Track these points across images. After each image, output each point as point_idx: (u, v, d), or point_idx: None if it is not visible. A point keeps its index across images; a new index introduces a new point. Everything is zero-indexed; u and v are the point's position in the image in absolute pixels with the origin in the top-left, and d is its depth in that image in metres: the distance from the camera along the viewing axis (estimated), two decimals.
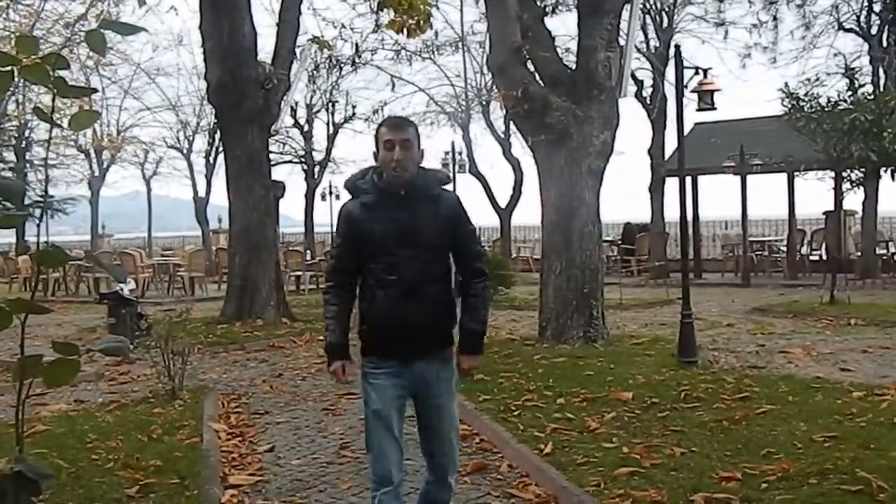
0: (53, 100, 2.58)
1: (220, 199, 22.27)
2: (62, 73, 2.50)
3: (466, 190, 33.25)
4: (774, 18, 26.75)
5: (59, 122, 3.28)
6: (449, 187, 4.48)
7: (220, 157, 19.49)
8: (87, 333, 15.06)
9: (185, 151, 38.32)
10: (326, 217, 35.82)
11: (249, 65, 16.27)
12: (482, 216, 35.47)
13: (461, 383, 5.86)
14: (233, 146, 16.60)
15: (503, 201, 31.56)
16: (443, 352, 4.36)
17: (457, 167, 24.44)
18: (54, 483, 5.92)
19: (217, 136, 26.78)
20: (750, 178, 23.69)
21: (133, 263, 23.86)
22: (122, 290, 13.48)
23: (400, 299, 4.20)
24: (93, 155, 38.06)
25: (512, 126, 27.49)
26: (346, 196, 4.51)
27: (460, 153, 31.01)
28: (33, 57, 2.54)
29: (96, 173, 38.40)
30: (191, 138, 38.16)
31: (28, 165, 35.09)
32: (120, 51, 32.01)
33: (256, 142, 16.41)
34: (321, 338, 13.77)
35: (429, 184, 4.32)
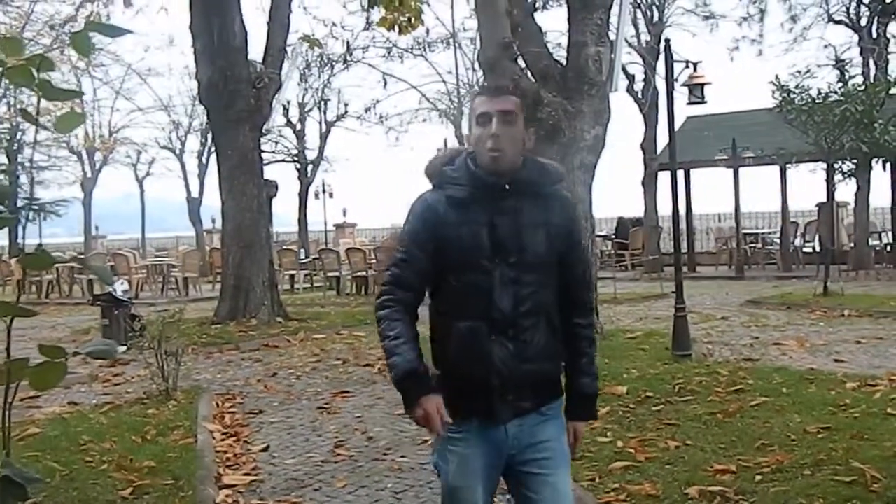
0: (38, 102, 2.57)
1: (213, 199, 22.32)
2: (51, 74, 2.49)
3: None
4: (761, 12, 26.83)
5: (47, 123, 3.27)
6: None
7: (213, 157, 19.50)
8: (81, 335, 15.04)
9: (177, 152, 38.33)
10: (320, 215, 35.86)
11: (240, 64, 16.25)
12: None
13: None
14: (225, 146, 16.57)
15: None
16: (550, 407, 3.21)
17: None
18: (47, 486, 5.92)
19: (209, 135, 26.73)
20: (742, 171, 23.72)
21: (126, 264, 23.86)
22: (115, 291, 13.45)
23: (486, 337, 3.05)
24: (85, 156, 37.99)
25: None
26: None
27: None
28: (19, 59, 2.52)
29: (89, 175, 38.33)
30: (183, 138, 38.21)
31: (20, 168, 35.02)
32: (111, 52, 32.02)
33: (248, 141, 16.38)
34: (316, 336, 13.98)
35: (542, 178, 3.18)
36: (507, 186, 3.09)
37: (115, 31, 2.71)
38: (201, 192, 36.76)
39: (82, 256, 28.21)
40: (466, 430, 3.13)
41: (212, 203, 29.30)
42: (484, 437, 3.13)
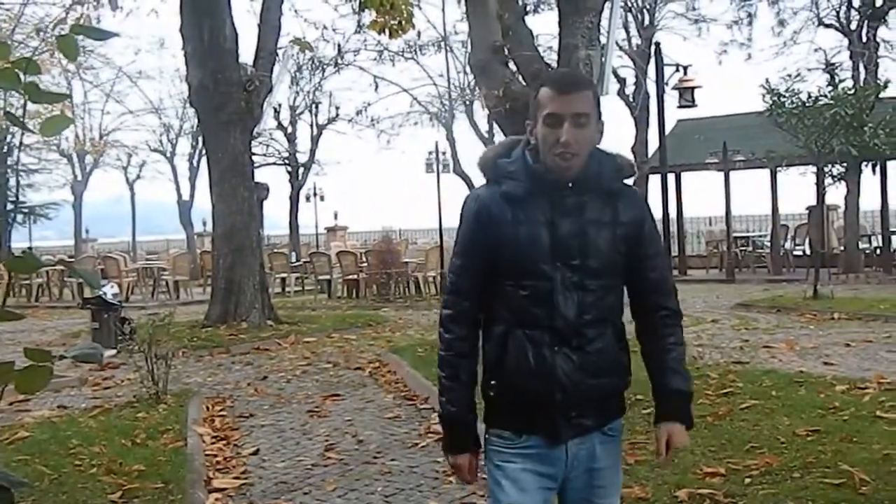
0: (25, 105, 2.57)
1: (204, 202, 22.34)
2: (41, 77, 2.48)
3: (451, 190, 33.23)
4: (750, 16, 26.95)
5: (36, 126, 3.26)
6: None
7: (204, 160, 19.47)
8: (71, 338, 15.02)
9: (168, 154, 38.25)
10: (311, 218, 35.85)
11: (231, 67, 16.23)
12: None
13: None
14: (215, 149, 16.55)
15: None
16: (611, 427, 2.98)
17: (440, 167, 24.39)
18: (35, 489, 5.91)
19: (200, 138, 26.70)
20: (733, 175, 23.76)
21: (117, 267, 23.79)
22: (105, 294, 13.42)
23: (548, 347, 2.81)
24: (75, 159, 37.90)
25: (495, 125, 27.52)
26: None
27: (444, 153, 31.01)
28: (5, 62, 2.52)
29: (79, 177, 38.23)
30: (174, 141, 38.12)
31: (9, 171, 34.93)
32: (101, 54, 31.94)
33: (239, 144, 16.35)
34: (307, 339, 13.97)
35: (607, 174, 2.87)
36: (570, 185, 2.81)
37: (101, 35, 2.71)
38: (192, 195, 36.72)
39: (71, 259, 28.17)
40: (524, 448, 2.89)
41: (203, 206, 29.38)
42: (543, 456, 2.89)
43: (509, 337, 2.85)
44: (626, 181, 2.96)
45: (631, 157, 2.87)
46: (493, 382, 2.90)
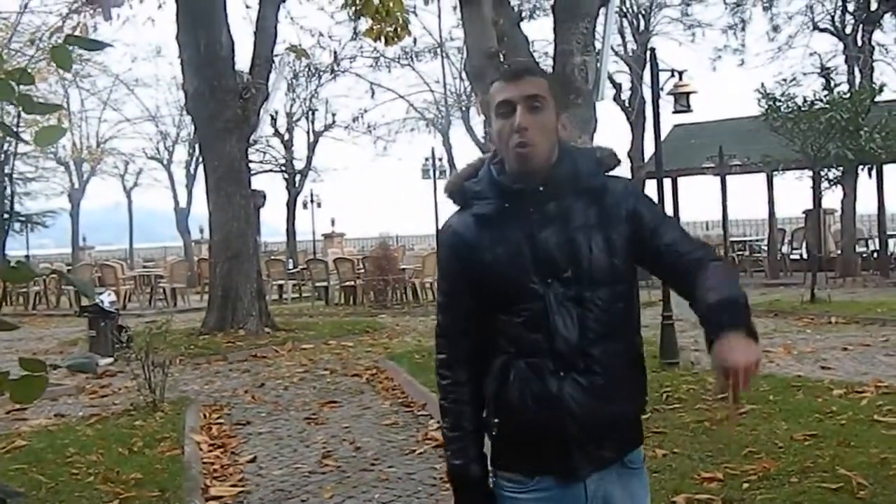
0: (18, 116, 2.57)
1: (201, 209, 22.34)
2: (39, 85, 2.49)
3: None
4: (743, 21, 27.05)
5: (31, 136, 3.26)
6: (619, 172, 2.67)
7: (201, 168, 19.50)
8: (68, 346, 15.03)
9: (165, 162, 38.36)
10: (308, 225, 35.84)
11: (227, 74, 16.26)
12: None
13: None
14: (212, 156, 16.56)
15: None
16: (632, 458, 2.62)
17: (437, 173, 24.44)
18: (32, 498, 5.90)
19: (197, 146, 26.72)
20: (729, 179, 23.80)
21: (114, 275, 23.81)
22: (102, 302, 13.41)
23: (553, 374, 2.48)
24: (72, 167, 37.91)
25: None
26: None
27: (440, 159, 31.07)
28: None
29: (76, 185, 38.25)
30: (171, 149, 38.24)
31: (6, 179, 34.90)
32: (98, 62, 31.97)
33: (235, 151, 16.36)
34: (304, 346, 13.96)
35: (585, 170, 2.57)
36: (541, 189, 2.52)
37: (95, 45, 2.71)
38: (189, 203, 36.78)
39: (69, 268, 28.15)
40: (537, 491, 2.55)
41: (200, 213, 29.33)
42: (559, 498, 2.55)
43: (510, 369, 2.53)
44: (608, 174, 2.63)
45: (628, 162, 2.66)
46: (496, 421, 2.58)
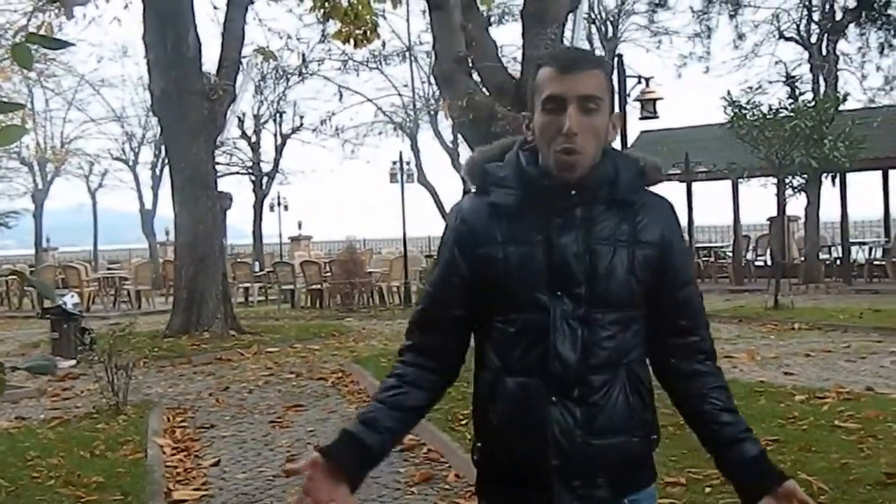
0: None
1: (167, 211, 22.21)
2: (3, 84, 2.46)
3: (415, 200, 33.26)
4: (709, 29, 27.28)
5: None
6: (660, 189, 2.38)
7: (167, 169, 19.39)
8: (30, 349, 14.85)
9: (131, 163, 37.98)
10: (275, 228, 35.71)
11: (194, 75, 16.16)
12: (431, 227, 35.60)
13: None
14: (178, 157, 16.46)
15: None
16: (634, 496, 2.30)
17: (405, 177, 24.41)
18: None
19: (163, 147, 26.57)
20: (695, 186, 23.98)
21: (78, 277, 23.60)
22: (65, 304, 13.29)
23: (542, 398, 2.19)
24: (36, 167, 37.52)
25: (460, 135, 27.61)
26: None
27: (408, 163, 31.07)
28: None
29: (40, 186, 37.85)
30: (137, 150, 37.87)
31: None
32: (63, 62, 31.65)
33: (202, 153, 16.27)
34: (270, 349, 13.90)
35: (624, 179, 2.26)
36: (573, 193, 2.20)
37: (56, 44, 2.69)
38: (155, 204, 36.50)
39: (32, 269, 27.87)
40: None
41: (166, 215, 29.13)
42: None
43: (496, 387, 2.24)
44: (648, 189, 2.33)
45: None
46: (478, 444, 2.33)
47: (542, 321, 2.18)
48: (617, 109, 2.30)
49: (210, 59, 17.28)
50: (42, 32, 15.30)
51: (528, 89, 2.30)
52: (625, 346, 2.23)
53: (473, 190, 2.37)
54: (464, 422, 7.86)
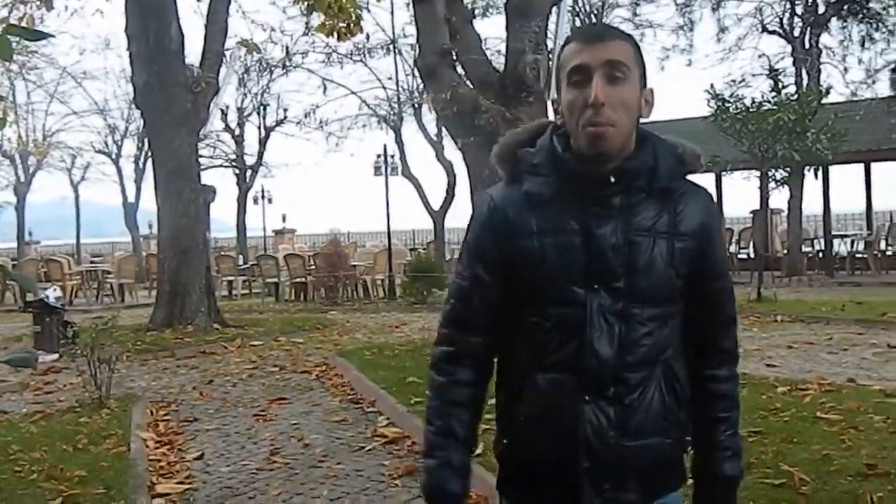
0: None
1: (150, 204, 22.15)
2: None
3: (399, 193, 33.26)
4: (691, 22, 27.34)
5: None
6: (699, 179, 2.25)
7: (150, 162, 19.29)
8: (12, 342, 14.78)
9: (113, 156, 37.81)
10: (259, 221, 35.63)
11: (177, 68, 16.09)
12: (416, 220, 35.59)
13: None
14: (161, 150, 16.40)
15: (436, 204, 31.61)
16: (661, 499, 2.26)
17: (389, 170, 24.38)
18: None
19: (146, 140, 26.45)
20: None
21: (60, 270, 23.48)
22: (47, 298, 13.23)
23: (574, 396, 2.11)
24: (18, 160, 37.29)
25: (444, 128, 27.58)
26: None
27: (392, 156, 31.02)
28: None
29: (22, 179, 37.62)
30: (119, 143, 37.69)
31: None
32: (45, 54, 31.48)
33: (185, 146, 16.21)
34: (254, 343, 13.87)
35: (664, 166, 2.16)
36: (612, 180, 2.11)
37: (36, 35, 2.68)
38: (138, 198, 36.34)
39: (15, 262, 27.71)
40: None
41: (149, 208, 29.08)
42: None
43: (526, 383, 2.16)
44: (687, 178, 2.24)
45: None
46: (504, 441, 2.24)
47: (578, 316, 2.09)
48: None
49: (193, 52, 17.25)
50: (23, 24, 15.20)
51: (556, 70, 2.19)
52: (662, 343, 2.15)
53: (504, 177, 2.26)
54: None
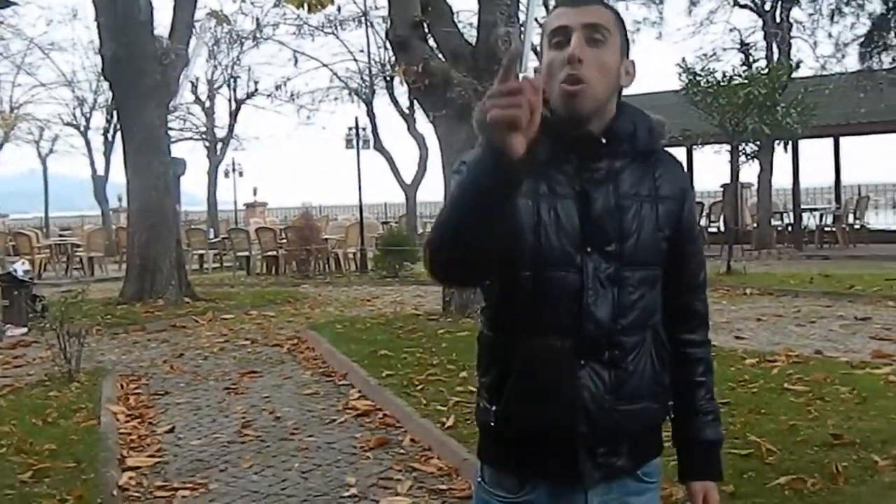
0: None
1: (119, 177, 21.91)
2: None
3: (371, 166, 33.16)
4: None
5: None
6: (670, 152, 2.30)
7: (119, 135, 19.10)
8: None
9: (82, 129, 37.43)
10: (230, 194, 35.48)
11: (146, 39, 15.91)
12: (388, 193, 35.54)
13: None
14: (130, 123, 16.24)
15: (408, 177, 31.57)
16: (648, 470, 2.22)
17: (360, 143, 24.27)
18: None
19: (115, 112, 26.22)
20: None
21: (29, 244, 23.26)
22: (16, 271, 13.13)
23: (569, 360, 2.07)
24: None
25: (416, 101, 27.50)
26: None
27: (364, 129, 30.92)
28: None
29: None
30: (88, 115, 37.30)
31: None
32: (11, 25, 31.09)
33: (154, 118, 16.07)
34: (225, 316, 13.83)
35: (641, 134, 2.17)
36: (603, 140, 2.09)
37: (1, 4, 2.63)
38: (107, 171, 36.01)
39: None
40: (529, 497, 2.15)
41: (118, 181, 28.80)
42: None
43: (517, 348, 2.09)
44: (661, 145, 2.25)
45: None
46: (493, 409, 2.14)
47: (574, 280, 2.05)
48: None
49: (162, 23, 17.06)
50: None
51: (540, 39, 2.17)
52: (652, 307, 2.14)
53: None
54: (419, 387, 7.90)
